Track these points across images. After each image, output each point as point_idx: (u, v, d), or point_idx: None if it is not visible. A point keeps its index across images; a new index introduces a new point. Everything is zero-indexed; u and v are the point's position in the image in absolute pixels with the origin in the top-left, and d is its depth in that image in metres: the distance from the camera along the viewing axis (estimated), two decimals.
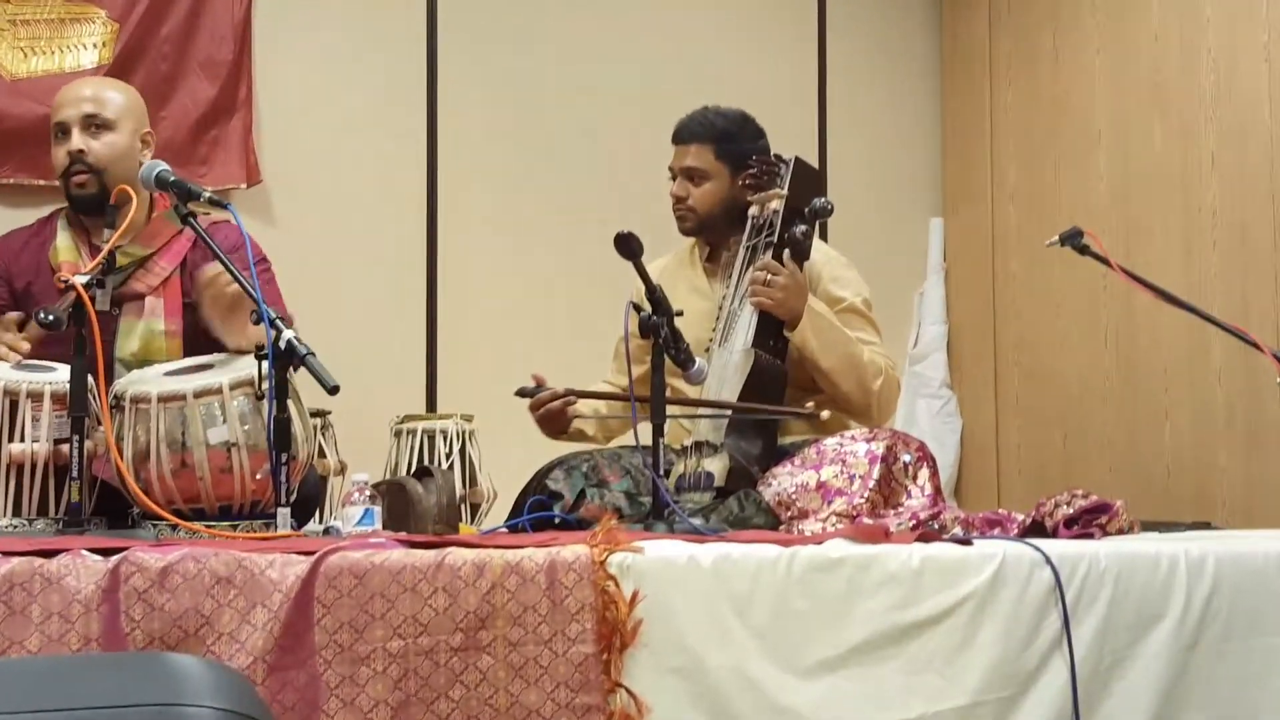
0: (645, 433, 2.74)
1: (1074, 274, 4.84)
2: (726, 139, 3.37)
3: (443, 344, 4.66)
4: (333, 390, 2.43)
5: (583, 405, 3.31)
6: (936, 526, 2.80)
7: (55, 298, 2.52)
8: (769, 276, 3.14)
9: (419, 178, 4.69)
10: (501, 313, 4.72)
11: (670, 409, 3.19)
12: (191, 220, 2.72)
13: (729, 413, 3.08)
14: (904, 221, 5.41)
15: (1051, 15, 5.03)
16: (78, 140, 3.09)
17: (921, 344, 5.40)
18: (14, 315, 2.92)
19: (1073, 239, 3.71)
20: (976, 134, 5.34)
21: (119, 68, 4.16)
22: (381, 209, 4.63)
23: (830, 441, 3.01)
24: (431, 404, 4.60)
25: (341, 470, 3.83)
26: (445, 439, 3.80)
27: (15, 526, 2.55)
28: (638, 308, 2.78)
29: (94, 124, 3.12)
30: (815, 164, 4.68)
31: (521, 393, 3.21)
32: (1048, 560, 2.48)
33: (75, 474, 2.46)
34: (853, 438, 3.00)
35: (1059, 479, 4.75)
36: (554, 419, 3.24)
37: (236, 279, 2.66)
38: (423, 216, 4.69)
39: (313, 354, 2.51)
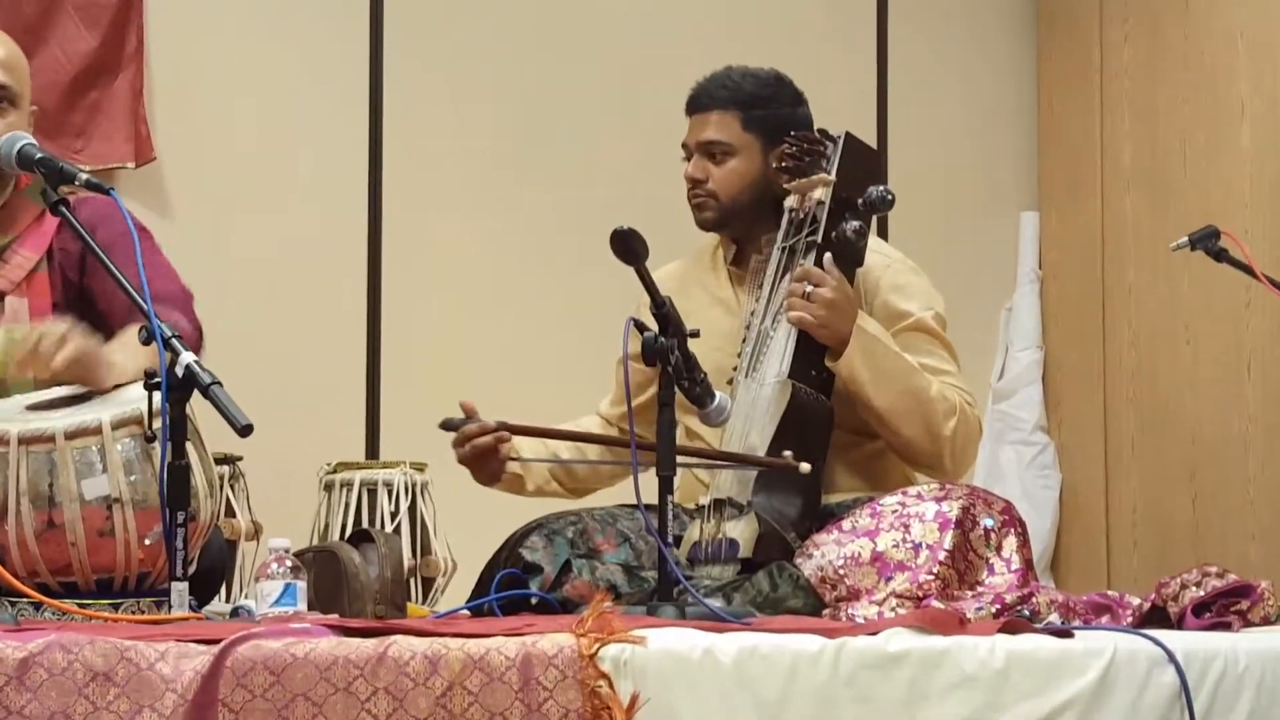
0: (649, 487, 2.74)
1: (1208, 285, 4.85)
2: (756, 104, 3.38)
3: (387, 373, 4.67)
4: (245, 430, 2.44)
5: (524, 446, 3.32)
6: (1027, 613, 2.80)
7: None
8: (809, 287, 3.15)
9: (359, 157, 4.71)
10: (463, 334, 4.73)
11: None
12: (64, 210, 2.73)
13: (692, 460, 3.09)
14: (987, 217, 5.43)
15: None
16: None
17: (1009, 375, 5.40)
18: None
19: (1206, 241, 3.73)
20: (1082, 105, 5.36)
21: None
22: (310, 198, 4.65)
23: (890, 501, 3.01)
24: (373, 449, 4.61)
25: (255, 534, 3.84)
26: (390, 494, 3.81)
27: None
28: (641, 326, 2.79)
29: (3, 97, 3.07)
30: (872, 142, 4.70)
31: (446, 425, 3.21)
32: (1171, 658, 2.49)
33: None
34: (918, 496, 3.01)
35: (1187, 552, 4.75)
36: (482, 459, 3.25)
37: (115, 277, 2.66)
38: (364, 210, 4.71)
39: (219, 383, 2.52)
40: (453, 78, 4.80)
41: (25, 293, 3.10)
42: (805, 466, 2.96)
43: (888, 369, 3.18)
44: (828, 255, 3.18)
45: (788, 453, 3.00)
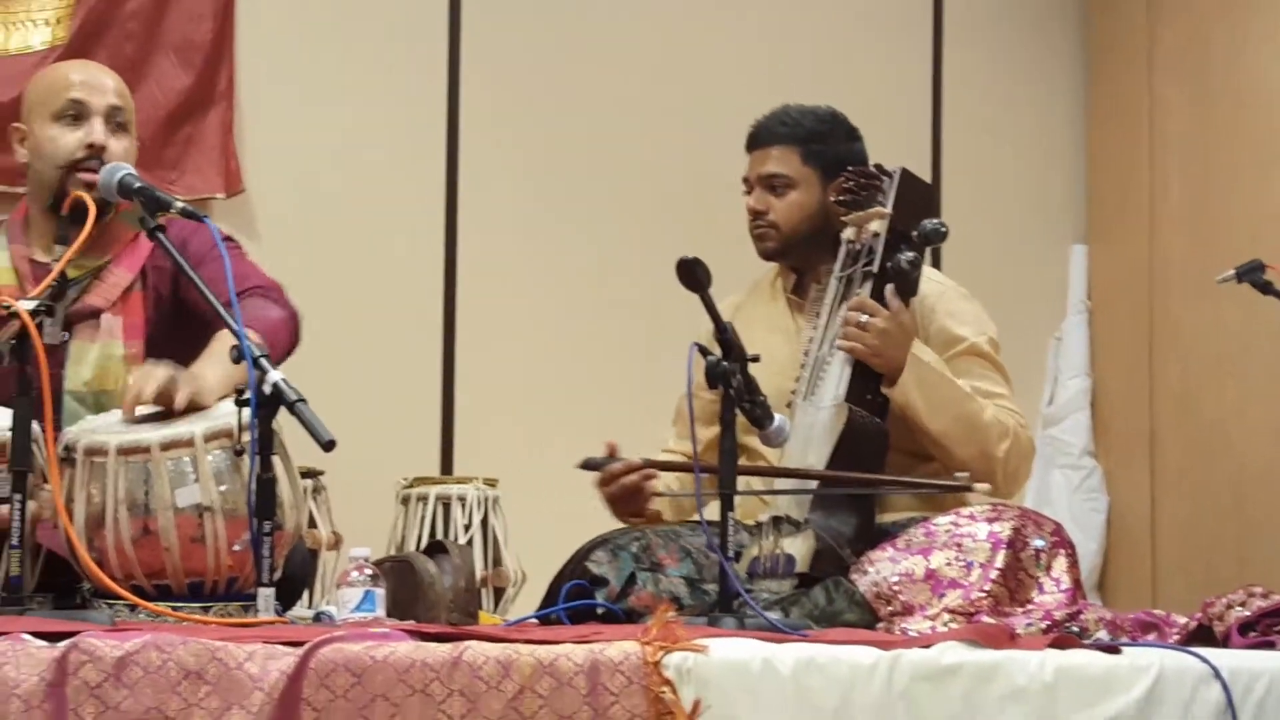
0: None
1: (1252, 317, 4.81)
2: (815, 139, 3.41)
3: (462, 392, 4.70)
4: (328, 445, 2.47)
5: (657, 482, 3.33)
6: (1075, 629, 2.79)
7: None
8: (864, 317, 3.16)
9: (436, 189, 4.74)
10: (533, 356, 4.76)
11: (750, 481, 3.22)
12: (160, 235, 2.77)
13: (837, 487, 3.09)
14: (1038, 249, 5.41)
15: None
16: (101, 132, 3.14)
17: (1058, 402, 5.39)
18: None
19: (1251, 274, 3.71)
20: (1131, 142, 5.34)
21: (75, 49, 4.25)
22: (390, 228, 4.68)
23: (943, 520, 3.01)
24: (447, 465, 4.63)
25: (336, 543, 3.87)
26: (463, 508, 3.83)
27: None
28: (704, 351, 2.81)
29: (118, 121, 3.17)
30: (927, 177, 4.70)
31: (588, 464, 3.23)
32: (1217, 674, 2.48)
33: (15, 541, 2.50)
34: (971, 516, 3.00)
35: (1231, 573, 4.71)
36: (629, 497, 3.25)
37: (206, 298, 2.70)
38: (440, 237, 4.74)
39: (304, 400, 2.55)
40: (527, 110, 4.83)
41: (120, 310, 3.15)
42: (984, 486, 2.98)
43: (942, 395, 3.19)
44: (890, 286, 3.19)
45: (963, 474, 3.01)
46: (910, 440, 3.24)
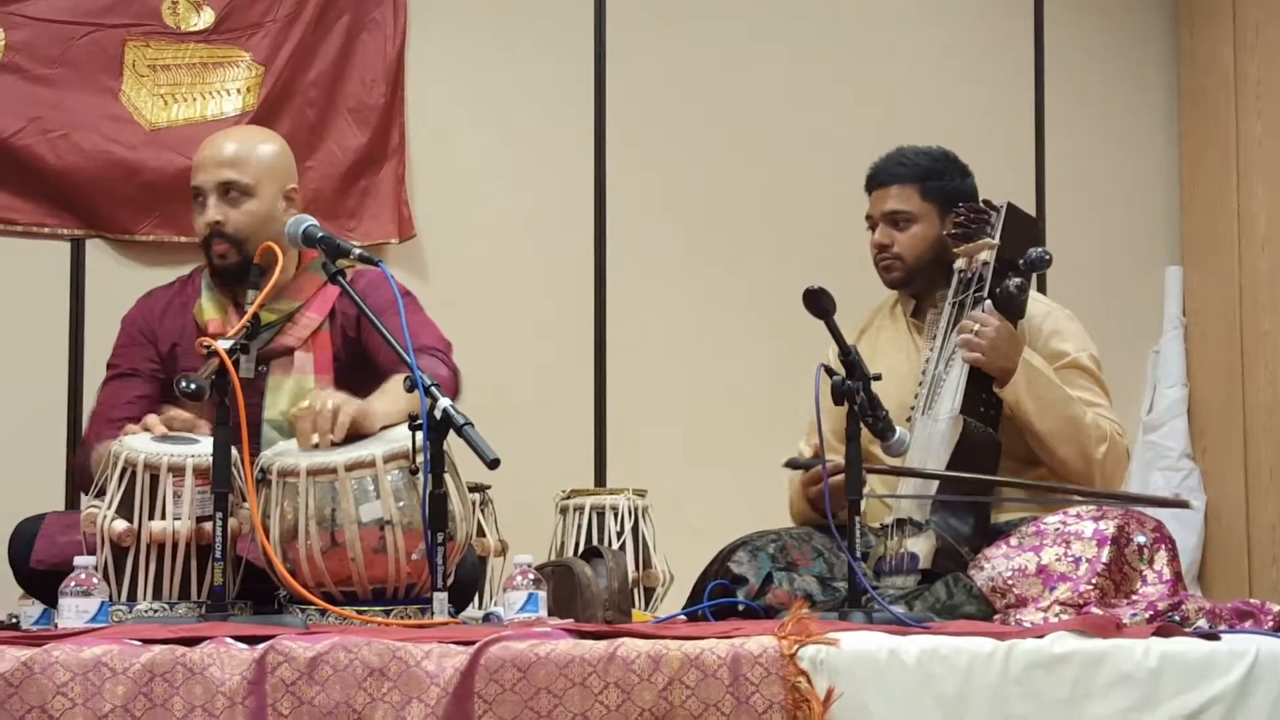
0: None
1: None
2: (932, 176, 3.39)
3: (613, 412, 4.70)
4: (493, 464, 2.49)
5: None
6: (1177, 618, 2.74)
7: (202, 361, 2.63)
8: (978, 327, 3.14)
9: (586, 230, 4.75)
10: (677, 378, 4.75)
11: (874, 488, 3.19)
12: (341, 279, 2.81)
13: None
14: (1136, 272, 5.32)
15: None
16: (214, 210, 3.18)
17: (1157, 410, 5.30)
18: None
19: None
20: (1220, 172, 5.24)
21: (264, 114, 4.32)
22: (546, 266, 4.70)
23: (1052, 520, 2.97)
24: (601, 478, 4.64)
25: (502, 551, 3.88)
26: (616, 516, 3.83)
27: (156, 611, 2.64)
28: (830, 371, 2.80)
29: (232, 190, 3.20)
30: (1032, 209, 4.64)
31: (793, 464, 3.16)
32: None
33: (219, 554, 2.54)
34: (1078, 515, 2.96)
35: None
36: (833, 496, 3.17)
37: (384, 336, 2.74)
38: (590, 273, 4.75)
39: (471, 424, 2.57)
40: (669, 141, 4.81)
41: (311, 348, 3.20)
42: (1195, 504, 2.94)
43: (1050, 398, 3.17)
44: (988, 302, 3.17)
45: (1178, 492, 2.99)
46: (1020, 446, 3.21)
